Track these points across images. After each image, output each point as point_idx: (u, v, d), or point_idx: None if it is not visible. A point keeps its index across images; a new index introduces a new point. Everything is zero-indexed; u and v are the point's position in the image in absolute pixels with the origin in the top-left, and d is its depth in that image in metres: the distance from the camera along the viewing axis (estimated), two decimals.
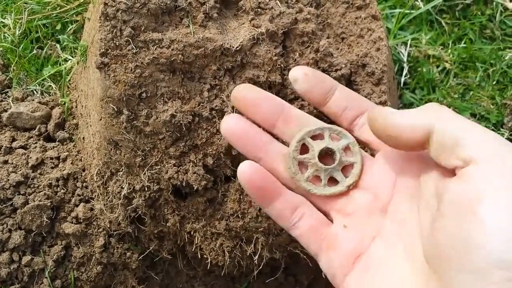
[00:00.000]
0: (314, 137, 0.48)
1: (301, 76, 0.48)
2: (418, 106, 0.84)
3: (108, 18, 0.55)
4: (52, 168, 0.69)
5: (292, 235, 0.47)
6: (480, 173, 0.35)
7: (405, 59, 0.87)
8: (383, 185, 0.45)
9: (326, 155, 0.48)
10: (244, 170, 0.46)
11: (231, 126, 0.48)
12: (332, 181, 0.47)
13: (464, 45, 0.91)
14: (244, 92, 0.50)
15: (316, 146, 0.47)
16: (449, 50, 0.91)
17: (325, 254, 0.45)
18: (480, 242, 0.33)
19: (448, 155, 0.37)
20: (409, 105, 0.86)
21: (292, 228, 0.46)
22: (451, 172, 0.38)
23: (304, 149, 0.48)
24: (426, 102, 0.86)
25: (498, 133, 0.85)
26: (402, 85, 0.86)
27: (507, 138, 0.84)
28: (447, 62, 0.90)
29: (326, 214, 0.48)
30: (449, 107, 0.86)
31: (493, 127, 0.85)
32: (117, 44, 0.55)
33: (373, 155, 0.48)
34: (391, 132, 0.41)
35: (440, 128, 0.38)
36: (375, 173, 0.46)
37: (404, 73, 0.87)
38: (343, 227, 0.45)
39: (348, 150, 0.47)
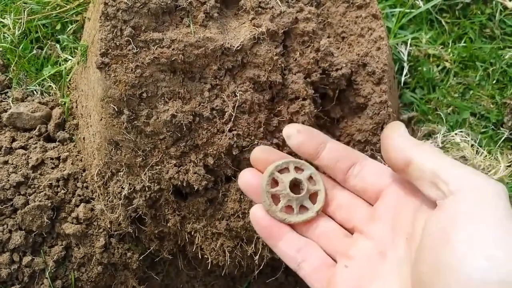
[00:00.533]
0: (281, 171, 0.51)
1: (293, 132, 0.51)
2: (418, 105, 0.85)
3: (108, 17, 0.54)
4: (53, 168, 0.69)
5: (299, 276, 0.49)
6: (455, 204, 0.38)
7: (405, 58, 0.87)
8: (384, 230, 0.47)
9: (294, 186, 0.51)
10: (255, 211, 0.50)
11: (249, 180, 0.51)
12: (303, 208, 0.50)
13: (464, 44, 0.91)
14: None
15: (285, 178, 0.50)
16: (449, 49, 0.90)
17: None
18: (454, 266, 0.35)
19: (428, 187, 0.41)
20: (409, 104, 0.86)
21: (299, 269, 0.49)
22: (434, 205, 0.41)
23: (274, 182, 0.51)
24: (426, 101, 0.86)
25: (498, 132, 0.85)
26: (402, 84, 0.86)
27: (507, 137, 0.84)
28: (447, 61, 0.89)
29: (333, 257, 0.50)
30: (449, 106, 0.86)
31: (493, 126, 0.85)
32: (118, 44, 0.55)
33: (370, 202, 0.50)
34: (383, 152, 0.45)
35: (418, 161, 0.42)
36: (376, 220, 0.48)
37: (404, 72, 0.87)
38: (345, 267, 0.47)
39: (311, 179, 0.51)
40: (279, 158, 0.51)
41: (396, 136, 0.45)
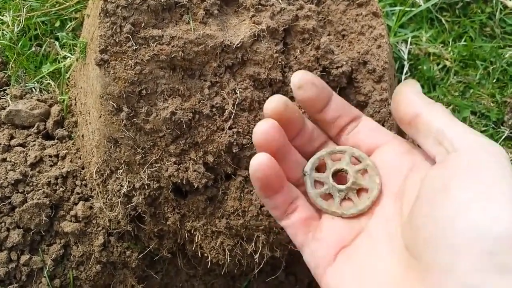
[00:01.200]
0: (333, 158, 0.49)
1: (308, 84, 0.47)
2: None
3: (108, 14, 0.54)
4: (51, 166, 0.69)
5: (280, 225, 0.48)
6: (457, 160, 0.38)
7: (405, 57, 0.87)
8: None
9: (341, 176, 0.49)
10: (260, 160, 0.45)
11: (268, 134, 0.46)
12: (347, 201, 0.48)
13: (465, 43, 0.91)
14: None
15: (332, 167, 0.48)
16: (450, 48, 0.90)
17: (310, 244, 0.46)
18: (453, 218, 0.34)
19: (431, 143, 0.41)
20: None
21: (284, 218, 0.47)
22: (433, 161, 0.41)
23: (322, 167, 0.49)
24: None
25: (499, 131, 0.85)
26: None
27: (507, 136, 0.84)
28: (447, 60, 0.89)
29: (318, 211, 0.49)
30: (450, 105, 0.86)
31: (493, 125, 0.85)
32: (117, 40, 0.54)
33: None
34: (393, 104, 0.45)
35: (426, 116, 0.42)
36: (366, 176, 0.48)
37: (404, 71, 0.87)
38: (331, 219, 0.47)
39: (366, 174, 0.48)
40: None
41: (409, 91, 0.45)
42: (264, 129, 0.45)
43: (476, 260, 0.32)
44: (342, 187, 0.48)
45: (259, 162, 0.44)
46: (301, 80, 0.48)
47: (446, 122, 0.41)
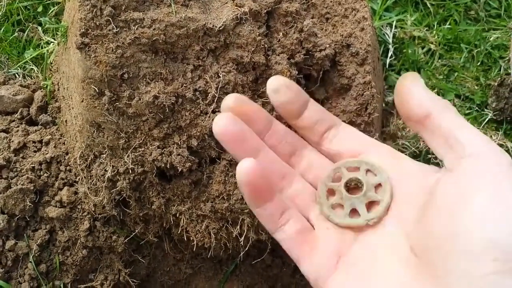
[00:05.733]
0: (349, 169, 0.48)
1: (282, 88, 0.47)
2: None
3: None
4: (35, 151, 0.68)
5: (275, 239, 0.47)
6: (473, 166, 0.37)
7: (390, 41, 0.87)
8: None
9: (355, 187, 0.48)
10: (246, 167, 0.43)
11: (226, 127, 0.46)
12: (354, 212, 0.47)
13: (449, 26, 0.91)
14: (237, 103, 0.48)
15: (347, 176, 0.47)
16: (434, 31, 0.91)
17: (307, 256, 0.45)
18: (471, 227, 0.34)
19: (440, 145, 0.40)
20: (394, 87, 0.86)
21: (278, 231, 0.46)
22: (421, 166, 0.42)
23: (336, 178, 0.48)
24: None
25: (482, 114, 0.85)
26: (387, 66, 0.86)
27: (491, 119, 0.84)
28: (432, 43, 0.90)
29: (306, 217, 0.48)
30: (434, 88, 0.87)
31: (477, 108, 0.86)
32: (98, 24, 0.54)
33: None
34: (401, 102, 0.43)
35: (436, 116, 0.41)
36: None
37: (389, 55, 0.87)
38: (326, 229, 0.46)
39: (379, 187, 0.46)
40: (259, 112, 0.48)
41: (416, 87, 0.43)
42: (222, 122, 0.45)
43: (493, 265, 0.33)
44: (353, 196, 0.46)
45: (245, 167, 0.43)
46: (277, 84, 0.48)
47: (457, 125, 0.40)
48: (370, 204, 0.46)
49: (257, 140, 0.48)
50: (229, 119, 0.46)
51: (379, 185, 0.46)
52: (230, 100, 0.47)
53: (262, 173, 0.44)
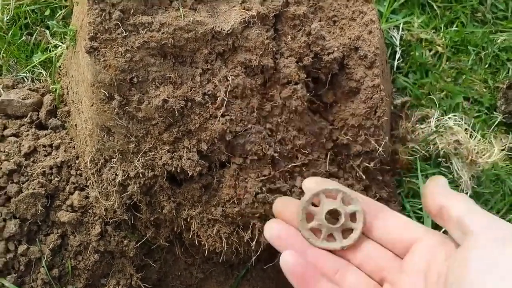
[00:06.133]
0: (328, 195, 0.52)
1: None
2: (411, 90, 0.85)
3: (96, 1, 0.54)
4: (45, 156, 0.69)
5: None
6: (472, 242, 0.42)
7: (397, 43, 0.87)
8: (417, 280, 0.48)
9: (333, 214, 0.51)
10: (287, 257, 0.49)
11: (275, 231, 0.52)
12: (331, 237, 0.51)
13: (456, 28, 0.91)
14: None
15: (327, 205, 0.51)
16: (441, 34, 0.90)
17: None
18: None
19: (453, 230, 0.45)
20: (402, 89, 0.86)
21: None
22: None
23: (316, 202, 0.52)
24: (419, 86, 0.86)
25: (491, 117, 0.85)
26: (395, 69, 0.86)
27: (500, 121, 0.84)
28: (439, 45, 0.89)
29: None
30: (442, 91, 0.86)
31: (486, 111, 0.85)
32: (107, 27, 0.54)
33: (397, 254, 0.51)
34: (423, 198, 0.50)
35: (448, 207, 0.46)
36: (409, 268, 0.49)
37: (397, 57, 0.86)
38: None
39: (353, 216, 0.51)
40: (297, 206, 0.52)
41: (434, 185, 0.49)
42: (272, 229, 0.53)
43: None
44: (331, 226, 0.51)
45: (287, 262, 0.49)
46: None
47: (464, 210, 0.45)
48: (345, 231, 0.51)
49: (305, 241, 0.52)
50: (276, 224, 0.53)
51: (354, 214, 0.51)
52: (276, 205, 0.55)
53: (304, 262, 0.49)
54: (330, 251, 0.51)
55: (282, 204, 0.54)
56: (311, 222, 0.51)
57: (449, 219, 0.46)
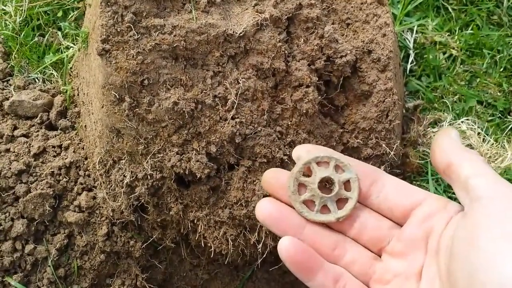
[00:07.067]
0: (319, 163, 0.48)
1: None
2: (424, 93, 0.84)
3: (109, 3, 0.54)
4: (54, 156, 0.69)
5: None
6: (480, 210, 0.39)
7: (411, 46, 0.86)
8: (416, 249, 0.46)
9: (326, 183, 0.49)
10: (285, 245, 0.45)
11: (268, 210, 0.48)
12: (325, 209, 0.48)
13: (471, 31, 0.89)
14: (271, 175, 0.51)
15: (319, 173, 0.48)
16: (456, 37, 0.89)
17: None
18: (480, 271, 0.36)
19: (460, 191, 0.42)
20: (415, 92, 0.85)
21: None
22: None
23: (307, 171, 0.48)
24: (432, 90, 0.85)
25: (505, 121, 0.83)
26: (408, 72, 0.85)
27: None
28: (453, 48, 0.88)
29: (366, 284, 0.48)
30: (456, 94, 0.85)
31: (500, 115, 0.84)
32: (119, 30, 0.54)
33: (396, 222, 0.48)
34: (431, 152, 0.46)
35: (456, 165, 0.43)
36: (407, 237, 0.46)
37: (410, 60, 0.85)
38: (381, 286, 0.46)
39: (347, 184, 0.48)
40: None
41: (444, 138, 0.45)
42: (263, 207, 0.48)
43: None
44: (325, 195, 0.48)
45: (285, 249, 0.45)
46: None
47: (473, 171, 0.41)
48: (339, 201, 0.48)
49: (299, 218, 0.48)
50: (268, 203, 0.48)
51: (348, 182, 0.48)
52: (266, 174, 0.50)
53: (302, 249, 0.45)
54: (325, 224, 0.48)
55: (272, 176, 0.49)
56: (303, 194, 0.48)
57: (457, 179, 0.42)
